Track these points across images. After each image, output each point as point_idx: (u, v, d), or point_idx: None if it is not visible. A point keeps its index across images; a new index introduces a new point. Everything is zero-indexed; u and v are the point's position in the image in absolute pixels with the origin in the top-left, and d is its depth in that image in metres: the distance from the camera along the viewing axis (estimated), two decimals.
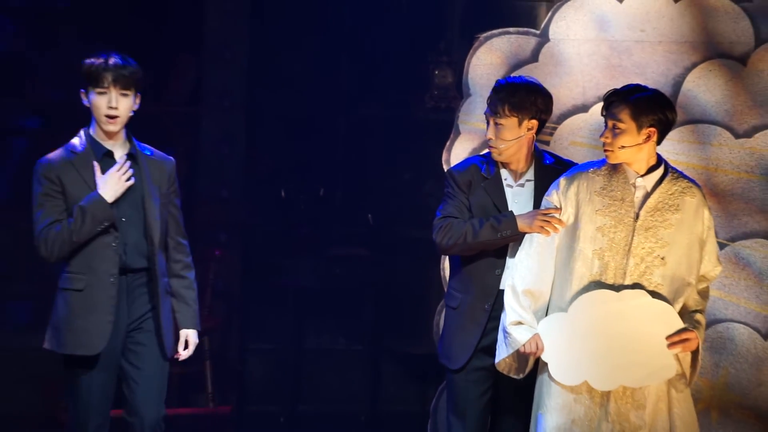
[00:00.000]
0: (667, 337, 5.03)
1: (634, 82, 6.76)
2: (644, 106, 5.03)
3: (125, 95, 5.07)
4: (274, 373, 8.44)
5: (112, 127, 5.06)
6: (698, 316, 5.14)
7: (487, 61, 7.03)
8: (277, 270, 8.45)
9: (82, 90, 5.11)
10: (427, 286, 7.74)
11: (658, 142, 5.10)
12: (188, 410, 7.97)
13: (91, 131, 5.13)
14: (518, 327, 5.09)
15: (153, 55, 8.15)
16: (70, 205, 5.01)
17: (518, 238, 5.29)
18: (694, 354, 5.12)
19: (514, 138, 5.36)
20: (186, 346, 5.23)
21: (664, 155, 7.00)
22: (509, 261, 5.33)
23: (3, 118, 8.36)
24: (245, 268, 8.42)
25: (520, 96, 5.40)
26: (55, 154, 5.13)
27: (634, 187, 5.07)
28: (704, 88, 7.04)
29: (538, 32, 7.03)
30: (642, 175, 5.08)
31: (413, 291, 8.19)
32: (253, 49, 8.47)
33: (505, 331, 5.15)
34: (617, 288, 5.04)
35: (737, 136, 7.05)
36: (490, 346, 5.33)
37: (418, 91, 8.46)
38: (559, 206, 5.12)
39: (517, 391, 5.32)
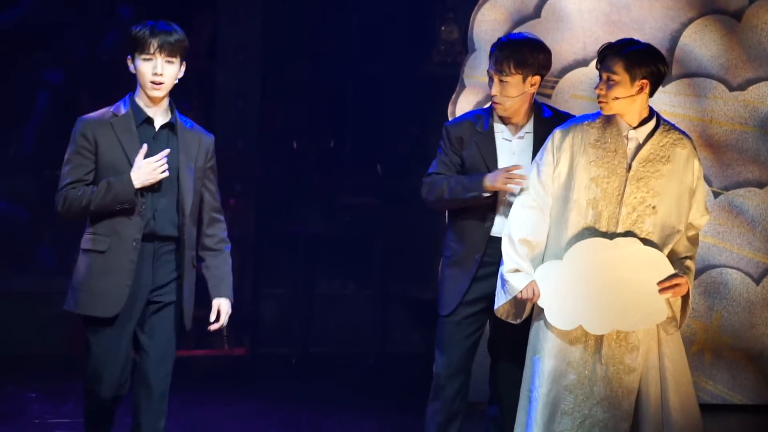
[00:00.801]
0: (659, 283, 5.09)
1: (632, 37, 6.95)
2: (637, 58, 5.08)
3: (171, 62, 4.98)
4: (286, 316, 8.58)
5: (156, 93, 4.97)
6: (688, 263, 5.20)
7: (492, 17, 7.15)
8: (289, 218, 8.55)
9: (129, 56, 5.03)
10: (432, 233, 7.85)
11: (651, 94, 5.15)
12: (204, 352, 8.06)
13: (135, 97, 5.04)
14: (515, 274, 5.16)
15: (170, 13, 8.21)
16: (101, 165, 4.96)
17: (488, 198, 5.33)
18: (684, 298, 5.17)
19: (519, 94, 5.39)
20: (218, 317, 5.13)
21: (661, 107, 7.18)
22: (504, 210, 5.38)
23: (29, 71, 8.42)
24: (259, 217, 8.52)
25: (524, 53, 5.40)
26: (95, 114, 5.03)
27: (627, 138, 5.12)
28: (700, 43, 7.19)
29: None
30: (635, 127, 5.13)
31: (419, 238, 8.33)
32: (266, 6, 8.53)
33: (503, 279, 5.20)
34: (610, 236, 5.10)
35: (731, 89, 7.21)
36: (480, 294, 5.43)
37: (425, 46, 8.52)
38: (552, 157, 5.18)
39: (514, 335, 5.36)
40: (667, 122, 5.23)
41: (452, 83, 7.17)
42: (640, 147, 5.14)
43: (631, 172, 5.11)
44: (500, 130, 5.48)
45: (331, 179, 8.68)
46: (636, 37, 7.01)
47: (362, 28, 8.66)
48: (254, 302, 8.54)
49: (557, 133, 5.22)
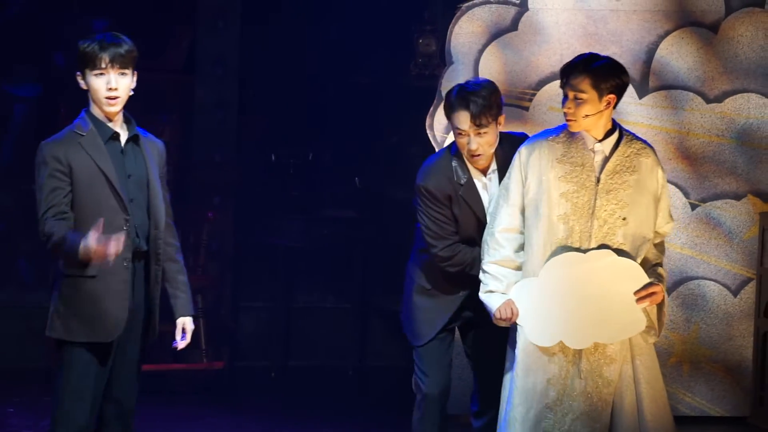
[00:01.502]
0: (635, 293, 5.09)
1: (609, 50, 6.96)
2: (603, 74, 5.06)
3: (124, 74, 4.84)
4: (265, 329, 8.57)
5: (112, 109, 4.85)
6: (660, 270, 5.21)
7: (469, 30, 7.15)
8: (268, 231, 8.53)
9: (78, 73, 4.88)
10: (412, 245, 7.91)
11: (615, 107, 5.15)
12: (182, 366, 8.03)
13: (93, 113, 4.88)
14: (491, 295, 5.18)
15: (149, 25, 8.21)
16: (79, 187, 4.81)
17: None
18: (660, 306, 5.17)
19: (496, 139, 5.35)
20: (183, 334, 5.00)
21: (638, 120, 7.21)
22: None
23: (4, 83, 8.40)
24: (237, 229, 8.52)
25: (493, 99, 5.33)
26: (60, 135, 4.87)
27: (593, 152, 5.12)
28: (677, 55, 7.21)
29: (517, 2, 7.14)
30: (600, 140, 5.13)
31: (399, 250, 8.20)
32: (245, 19, 8.53)
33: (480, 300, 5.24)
34: (583, 250, 5.09)
35: (708, 101, 7.23)
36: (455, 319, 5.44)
37: (403, 59, 8.52)
38: (520, 174, 5.16)
39: (498, 349, 5.33)
40: (629, 132, 5.24)
41: (430, 96, 7.18)
42: (606, 159, 5.13)
43: (600, 185, 5.11)
44: (477, 177, 5.40)
45: (309, 192, 8.67)
46: (613, 49, 7.12)
47: (340, 41, 8.66)
48: (233, 315, 8.54)
49: (523, 150, 5.21)
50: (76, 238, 4.70)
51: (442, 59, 7.45)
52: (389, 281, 8.51)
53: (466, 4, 7.15)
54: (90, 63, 4.82)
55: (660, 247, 5.27)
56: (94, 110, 4.89)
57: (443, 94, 7.06)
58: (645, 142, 5.24)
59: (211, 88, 8.53)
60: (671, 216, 5.28)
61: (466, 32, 7.16)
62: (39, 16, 8.37)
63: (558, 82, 7.00)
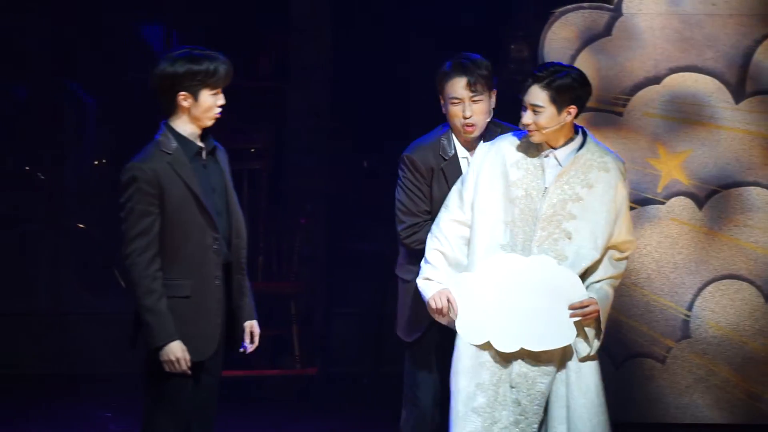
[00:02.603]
0: (570, 306, 4.98)
1: (705, 55, 6.90)
2: (561, 88, 4.98)
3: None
4: (358, 335, 8.60)
5: (211, 122, 4.85)
6: (605, 287, 5.05)
7: (562, 36, 7.15)
8: (360, 237, 8.56)
9: (184, 92, 4.78)
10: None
11: (577, 115, 5.06)
12: (276, 371, 8.11)
13: (175, 127, 4.83)
14: (427, 282, 5.12)
15: (244, 35, 8.30)
16: (170, 210, 4.75)
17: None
18: (598, 323, 5.02)
19: (489, 110, 5.36)
20: (251, 338, 4.96)
21: (735, 125, 7.16)
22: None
23: (83, 91, 8.58)
24: (330, 235, 8.56)
25: (488, 71, 5.37)
26: (148, 154, 4.79)
27: (548, 159, 5.05)
28: None
29: (611, 6, 7.13)
30: (557, 149, 5.05)
31: None
32: (336, 27, 8.59)
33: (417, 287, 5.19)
34: (525, 255, 4.99)
35: None
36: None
37: (495, 65, 8.46)
38: (474, 172, 5.11)
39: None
40: (597, 143, 5.13)
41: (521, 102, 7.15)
42: (559, 169, 5.04)
43: (548, 195, 5.02)
44: (464, 155, 5.41)
45: None
46: (708, 54, 7.08)
47: (432, 46, 8.65)
48: (326, 321, 8.58)
49: (482, 148, 5.20)
50: (169, 331, 4.72)
51: (534, 65, 7.43)
52: None
53: (560, 10, 7.16)
54: (213, 83, 4.79)
55: (617, 264, 5.10)
56: (179, 125, 4.83)
57: None
58: (612, 153, 5.12)
59: (304, 94, 8.58)
60: (631, 233, 5.12)
61: (559, 38, 7.16)
62: (143, 29, 8.48)
63: (652, 88, 7.14)
